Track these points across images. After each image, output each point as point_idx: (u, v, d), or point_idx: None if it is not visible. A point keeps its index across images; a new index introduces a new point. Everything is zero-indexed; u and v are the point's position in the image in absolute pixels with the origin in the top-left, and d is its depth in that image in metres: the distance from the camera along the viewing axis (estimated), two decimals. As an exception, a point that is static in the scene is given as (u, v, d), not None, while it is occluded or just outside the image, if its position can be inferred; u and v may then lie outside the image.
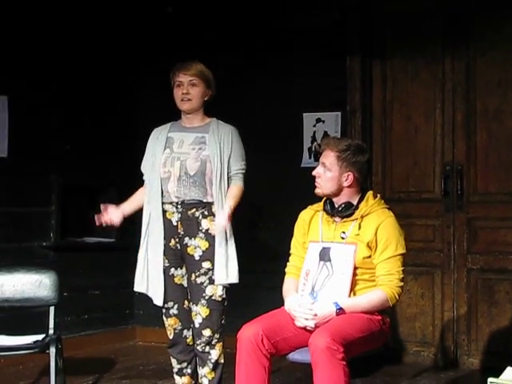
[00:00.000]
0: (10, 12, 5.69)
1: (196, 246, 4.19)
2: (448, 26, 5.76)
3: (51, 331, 4.31)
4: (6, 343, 4.19)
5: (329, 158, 3.79)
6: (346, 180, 3.78)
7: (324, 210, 3.86)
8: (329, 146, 3.81)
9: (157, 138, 4.33)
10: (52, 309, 4.37)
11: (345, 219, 3.80)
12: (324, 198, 3.87)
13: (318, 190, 3.85)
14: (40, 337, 4.23)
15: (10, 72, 5.66)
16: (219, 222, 4.11)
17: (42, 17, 5.90)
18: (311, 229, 3.89)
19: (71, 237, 6.23)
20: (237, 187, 4.23)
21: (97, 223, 4.30)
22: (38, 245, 5.90)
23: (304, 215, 3.96)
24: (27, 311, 5.16)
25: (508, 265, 5.54)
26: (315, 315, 3.59)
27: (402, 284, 3.71)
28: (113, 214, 4.28)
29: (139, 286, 4.29)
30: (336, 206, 3.83)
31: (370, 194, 3.86)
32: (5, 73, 5.63)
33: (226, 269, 4.19)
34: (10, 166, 5.68)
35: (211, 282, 4.19)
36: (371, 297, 3.67)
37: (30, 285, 4.41)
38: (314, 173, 3.84)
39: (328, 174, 3.78)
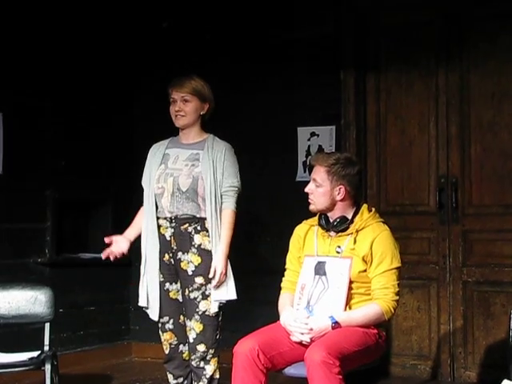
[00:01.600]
0: (3, 28, 5.69)
1: (189, 261, 4.19)
2: (441, 39, 5.78)
3: (46, 348, 4.29)
4: (1, 360, 4.17)
5: (319, 173, 3.80)
6: (339, 194, 3.79)
7: (319, 224, 3.86)
8: (318, 162, 3.83)
9: (154, 154, 4.35)
10: (47, 325, 4.36)
11: (340, 233, 3.81)
12: (319, 213, 3.88)
13: (312, 207, 3.86)
14: (35, 354, 4.21)
15: (4, 88, 5.66)
16: (216, 267, 4.12)
17: (36, 34, 5.90)
18: (306, 243, 3.90)
19: (67, 253, 6.21)
20: (228, 214, 4.20)
21: (103, 257, 4.28)
22: (34, 261, 5.88)
23: (299, 230, 3.96)
24: (23, 328, 5.16)
25: (504, 277, 5.53)
26: (311, 329, 3.59)
27: (397, 298, 3.71)
28: (120, 244, 4.28)
29: (142, 301, 4.28)
30: (331, 220, 3.83)
31: (364, 207, 3.86)
32: (-1, 89, 5.64)
33: (226, 286, 4.19)
34: (4, 182, 5.66)
35: (204, 297, 4.18)
36: (367, 311, 3.67)
37: (25, 301, 4.39)
38: (306, 190, 3.85)
39: (320, 189, 3.79)
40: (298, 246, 3.93)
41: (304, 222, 3.98)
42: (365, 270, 3.72)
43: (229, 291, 4.20)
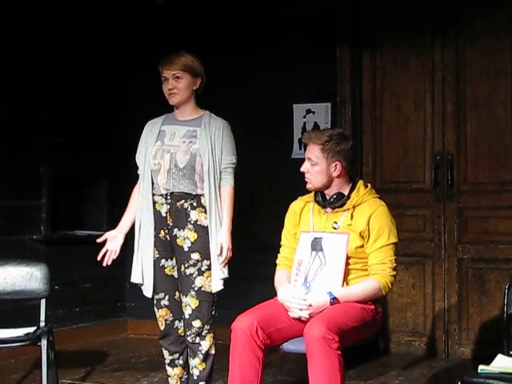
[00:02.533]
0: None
1: (185, 238, 4.18)
2: (437, 15, 5.76)
3: (42, 324, 4.29)
4: (-3, 336, 4.18)
5: (314, 151, 3.79)
6: (335, 170, 3.78)
7: (315, 201, 3.86)
8: (312, 140, 3.80)
9: (150, 131, 4.33)
10: (43, 301, 4.36)
11: (336, 210, 3.80)
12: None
13: (309, 186, 3.85)
14: (31, 329, 4.23)
15: (-2, 66, 5.65)
16: (222, 244, 4.12)
17: (30, 10, 5.86)
18: (302, 219, 3.90)
19: (62, 230, 6.21)
20: (227, 191, 4.20)
21: (98, 259, 4.23)
22: (29, 238, 5.89)
23: (295, 206, 3.96)
24: (19, 304, 5.16)
25: (498, 254, 5.55)
26: (309, 305, 3.60)
27: (394, 273, 3.72)
28: (115, 241, 4.25)
29: (135, 277, 4.27)
30: (327, 197, 3.83)
31: (360, 183, 3.86)
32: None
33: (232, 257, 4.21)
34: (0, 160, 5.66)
35: (200, 273, 4.18)
36: (364, 286, 3.68)
37: (21, 277, 4.39)
38: (302, 169, 3.83)
39: (316, 167, 3.78)
40: (294, 223, 3.92)
41: (300, 198, 3.97)
42: (362, 246, 3.72)
43: (227, 268, 4.21)
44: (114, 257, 4.25)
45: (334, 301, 3.61)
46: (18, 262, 4.45)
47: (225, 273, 4.19)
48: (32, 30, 5.88)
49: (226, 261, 4.16)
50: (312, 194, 3.89)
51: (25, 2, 5.82)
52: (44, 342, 4.08)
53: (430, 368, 5.43)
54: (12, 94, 5.73)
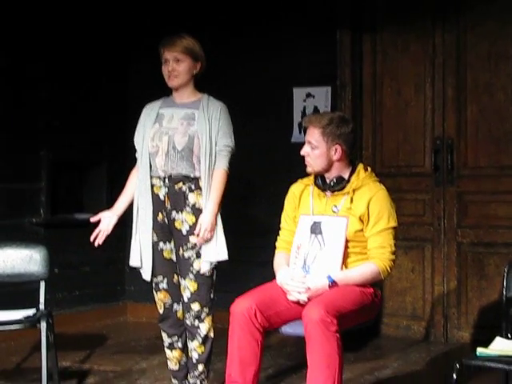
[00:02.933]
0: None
1: (183, 221, 4.18)
2: None
3: (42, 306, 4.29)
4: (-4, 318, 4.18)
5: (314, 135, 3.77)
6: (335, 153, 3.76)
7: (315, 184, 3.85)
8: (312, 124, 3.79)
9: (148, 114, 4.31)
10: (42, 284, 4.36)
11: (336, 193, 3.80)
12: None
13: (309, 169, 3.84)
14: (31, 312, 4.23)
15: (-3, 48, 5.63)
16: (201, 224, 4.10)
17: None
18: (302, 202, 3.89)
19: (62, 213, 6.21)
20: (219, 174, 4.17)
21: (91, 239, 4.22)
22: (29, 221, 5.89)
23: (294, 189, 3.95)
24: (18, 288, 5.17)
25: (498, 238, 5.56)
26: (308, 288, 3.60)
27: (393, 257, 3.72)
28: (108, 221, 4.24)
29: (134, 261, 4.27)
30: (327, 180, 3.83)
31: (360, 166, 3.85)
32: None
33: (216, 246, 4.18)
34: (-1, 143, 5.66)
35: (198, 256, 4.17)
36: (363, 269, 3.68)
37: (20, 260, 4.39)
38: (302, 153, 3.82)
39: (316, 151, 3.77)
40: (294, 206, 3.92)
41: (299, 180, 3.96)
42: (361, 230, 3.72)
43: (220, 252, 4.18)
44: (106, 234, 4.23)
45: (333, 284, 3.61)
46: (17, 244, 4.44)
47: (213, 256, 4.16)
48: (33, 11, 5.85)
49: (201, 241, 4.13)
50: (312, 176, 3.89)
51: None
52: (43, 325, 4.08)
53: (428, 351, 5.45)
54: (12, 77, 5.72)
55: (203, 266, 4.17)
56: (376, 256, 3.69)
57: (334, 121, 3.76)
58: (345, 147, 3.77)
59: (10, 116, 5.71)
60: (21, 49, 5.79)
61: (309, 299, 3.58)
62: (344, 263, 3.71)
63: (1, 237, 5.32)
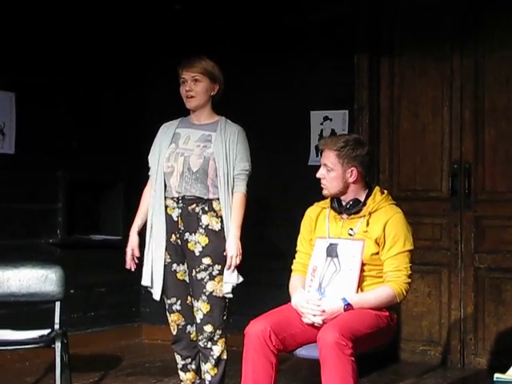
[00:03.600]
0: (16, 8, 5.68)
1: (196, 242, 4.18)
2: (457, 24, 5.73)
3: (57, 326, 4.29)
4: (11, 337, 4.18)
5: (329, 157, 3.77)
6: (351, 176, 3.76)
7: (331, 207, 3.84)
8: (327, 146, 3.79)
9: (164, 133, 4.34)
10: (58, 304, 4.36)
11: (352, 216, 3.79)
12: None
13: (325, 192, 3.84)
14: (46, 331, 4.22)
15: (17, 68, 5.66)
16: (228, 251, 4.13)
17: (48, 13, 5.89)
18: (318, 225, 3.88)
19: (78, 234, 6.22)
20: (239, 198, 4.20)
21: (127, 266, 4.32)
22: (45, 241, 5.90)
23: (310, 212, 3.95)
24: (34, 308, 5.18)
25: (516, 264, 5.52)
26: (323, 311, 3.58)
27: (409, 280, 3.70)
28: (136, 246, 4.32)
29: (146, 281, 4.28)
30: (343, 203, 3.81)
31: (377, 189, 3.84)
32: (12, 69, 5.63)
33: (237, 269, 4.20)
34: (17, 163, 5.68)
35: (211, 277, 4.18)
36: (379, 293, 3.65)
37: (36, 279, 4.40)
38: (317, 175, 3.82)
39: (332, 173, 3.77)
40: (310, 229, 3.91)
41: (316, 204, 3.96)
42: (377, 253, 3.70)
43: (238, 274, 4.21)
44: (136, 255, 4.31)
45: (348, 307, 3.59)
46: (33, 264, 4.45)
47: (235, 278, 4.17)
48: (51, 30, 5.89)
49: (232, 268, 4.15)
50: (328, 199, 3.88)
51: (45, 3, 5.84)
52: (58, 345, 4.07)
53: (444, 377, 5.39)
54: (30, 96, 5.75)
55: (225, 287, 4.18)
56: (392, 279, 3.66)
57: (349, 143, 3.75)
58: (360, 169, 3.77)
59: (28, 137, 5.73)
60: (39, 68, 5.82)
61: (324, 322, 3.56)
62: (360, 286, 3.69)
63: (17, 256, 5.33)
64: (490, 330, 5.59)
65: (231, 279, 4.17)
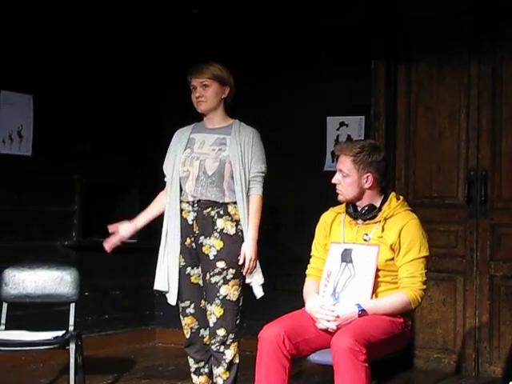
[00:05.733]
0: (34, 12, 5.72)
1: (211, 246, 4.19)
2: (474, 31, 5.71)
3: (71, 328, 4.32)
4: (26, 338, 4.21)
5: (345, 163, 3.76)
6: (367, 182, 3.76)
7: (347, 212, 3.84)
8: (343, 152, 3.78)
9: (179, 139, 4.36)
10: (72, 305, 4.39)
11: (368, 221, 3.78)
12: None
13: (340, 197, 3.84)
14: (60, 333, 4.24)
15: (35, 71, 5.70)
16: (245, 254, 4.15)
17: (67, 18, 5.93)
18: (333, 231, 3.88)
19: (93, 236, 6.22)
20: (255, 200, 4.21)
21: (106, 249, 4.33)
22: (61, 244, 5.93)
23: (325, 217, 3.94)
24: (49, 309, 5.20)
25: (531, 272, 5.49)
26: (337, 317, 3.57)
27: (424, 287, 3.69)
28: (125, 227, 4.35)
29: (159, 285, 4.28)
30: (359, 208, 3.81)
31: (392, 195, 3.84)
32: (30, 72, 5.67)
33: (259, 269, 4.23)
34: (33, 165, 5.71)
35: (225, 281, 4.18)
36: (393, 299, 3.64)
37: (51, 281, 4.43)
38: (333, 181, 3.82)
39: (347, 179, 3.76)
40: (324, 234, 3.91)
41: (331, 209, 3.96)
42: (392, 259, 3.69)
43: (261, 274, 4.23)
44: (120, 239, 4.36)
45: (362, 313, 3.58)
46: (48, 265, 4.49)
47: (261, 278, 4.20)
48: (69, 35, 5.93)
49: (248, 270, 4.16)
50: (343, 205, 3.87)
51: (63, 17, 5.87)
52: (72, 346, 4.09)
53: (459, 385, 5.38)
54: (48, 100, 5.78)
55: (257, 291, 4.21)
56: (407, 285, 3.66)
57: (365, 149, 3.75)
58: (376, 175, 3.76)
59: (45, 139, 5.77)
60: (57, 72, 5.86)
61: (338, 327, 3.55)
62: (374, 292, 3.68)
63: (33, 259, 5.36)
64: (505, 339, 5.55)
65: (259, 280, 4.19)
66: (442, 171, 5.83)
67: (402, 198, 3.87)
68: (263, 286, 4.24)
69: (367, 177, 3.75)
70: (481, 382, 5.47)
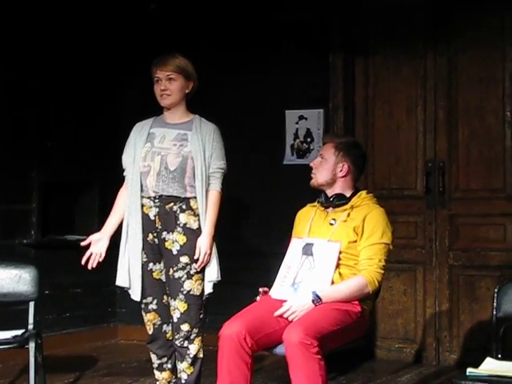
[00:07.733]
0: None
1: (174, 241, 4.17)
2: (430, 23, 5.77)
3: (31, 326, 4.26)
4: (-16, 338, 4.15)
5: (327, 149, 3.91)
6: (341, 170, 3.86)
7: (318, 201, 3.90)
8: (329, 139, 3.99)
9: (138, 133, 4.31)
10: (32, 304, 4.33)
11: (336, 209, 3.84)
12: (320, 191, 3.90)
13: (312, 181, 3.93)
14: (19, 332, 4.20)
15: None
16: (200, 248, 4.11)
17: (25, 12, 5.86)
18: (301, 225, 3.94)
19: (52, 234, 6.18)
20: (214, 195, 4.19)
21: (83, 263, 4.20)
22: (19, 242, 5.86)
23: (300, 213, 4.04)
24: (7, 308, 5.14)
25: (489, 261, 5.55)
26: (290, 307, 3.57)
27: (382, 271, 3.70)
28: (100, 244, 4.23)
29: (121, 281, 4.25)
30: (329, 196, 3.87)
31: (363, 191, 3.94)
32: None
33: (216, 266, 4.19)
34: (-10, 163, 5.65)
35: (189, 276, 4.16)
36: (350, 282, 3.67)
37: (9, 280, 4.36)
38: (311, 164, 3.95)
39: (324, 164, 3.89)
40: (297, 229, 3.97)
41: (308, 205, 4.04)
42: (355, 241, 3.73)
43: (218, 271, 4.21)
44: (100, 259, 4.21)
45: (317, 299, 3.57)
46: (6, 264, 4.42)
47: (216, 275, 4.18)
48: (27, 32, 5.87)
49: (201, 265, 4.14)
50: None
51: (22, 15, 5.81)
52: (32, 345, 4.04)
53: (419, 374, 5.42)
54: (4, 96, 5.72)
55: (207, 287, 4.18)
56: (364, 268, 3.69)
57: (349, 141, 3.98)
58: (352, 168, 3.88)
59: (2, 136, 5.70)
60: (13, 69, 5.79)
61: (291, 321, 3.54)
62: (333, 283, 3.68)
63: (-9, 257, 5.31)
64: (464, 327, 5.62)
65: (213, 277, 4.17)
66: (401, 163, 5.87)
67: (372, 194, 3.95)
68: (222, 281, 4.21)
69: (343, 165, 3.87)
70: (441, 370, 5.53)
